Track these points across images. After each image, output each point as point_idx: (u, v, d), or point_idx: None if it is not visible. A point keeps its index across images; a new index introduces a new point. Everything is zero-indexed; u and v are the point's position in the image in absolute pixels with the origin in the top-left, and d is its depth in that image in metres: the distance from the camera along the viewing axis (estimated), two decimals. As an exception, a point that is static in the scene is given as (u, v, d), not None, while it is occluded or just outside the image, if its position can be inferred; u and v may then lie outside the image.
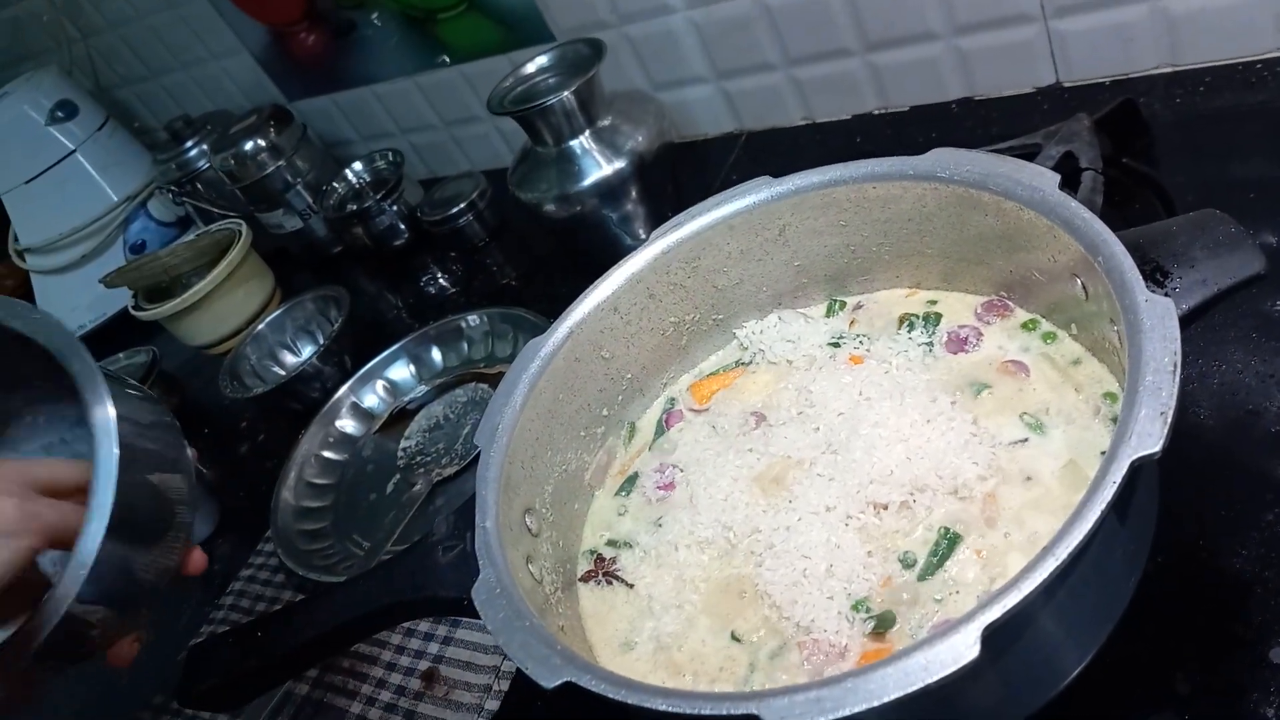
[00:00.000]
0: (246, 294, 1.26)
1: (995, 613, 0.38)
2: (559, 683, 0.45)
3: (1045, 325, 0.60)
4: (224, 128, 1.41)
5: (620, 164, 1.01)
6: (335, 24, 1.36)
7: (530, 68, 1.04)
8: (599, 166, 1.01)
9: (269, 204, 1.40)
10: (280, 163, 1.37)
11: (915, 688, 0.38)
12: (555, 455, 0.64)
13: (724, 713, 0.40)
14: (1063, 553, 0.39)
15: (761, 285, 0.70)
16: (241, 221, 1.29)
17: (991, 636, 0.38)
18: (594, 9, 1.14)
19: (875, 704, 0.38)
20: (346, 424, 1.09)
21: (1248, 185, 0.77)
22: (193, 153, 1.45)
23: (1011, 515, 0.52)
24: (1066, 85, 0.97)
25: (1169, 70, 0.92)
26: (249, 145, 1.35)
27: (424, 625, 0.83)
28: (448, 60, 1.34)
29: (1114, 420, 0.53)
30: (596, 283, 0.66)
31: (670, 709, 0.42)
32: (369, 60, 1.40)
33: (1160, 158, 0.85)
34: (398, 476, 1.00)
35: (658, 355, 0.70)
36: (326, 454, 1.06)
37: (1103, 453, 0.52)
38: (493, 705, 0.74)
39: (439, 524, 0.59)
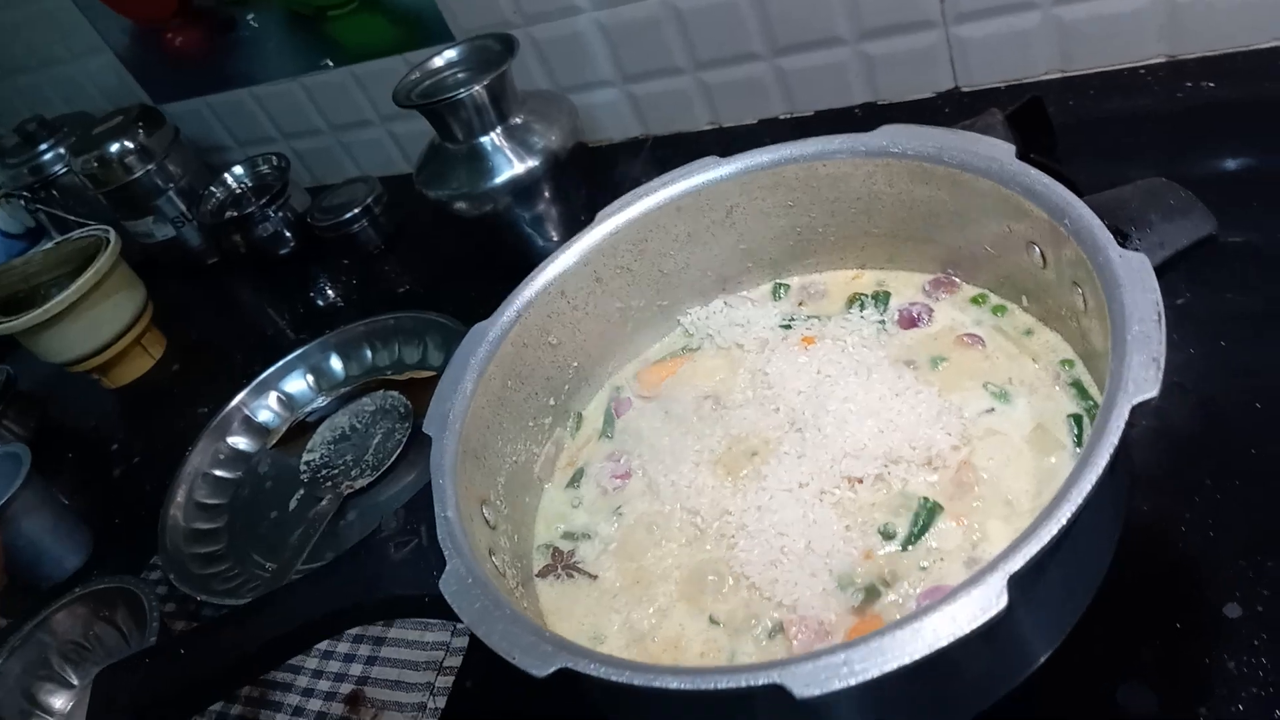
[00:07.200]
0: (116, 306, 1.16)
1: (1018, 561, 0.38)
2: (552, 670, 0.41)
3: (994, 299, 0.61)
4: (85, 129, 1.30)
5: (533, 163, 0.98)
6: (213, 21, 1.28)
7: (438, 62, 1.00)
8: (511, 164, 0.98)
9: (137, 211, 1.30)
10: (150, 166, 1.27)
11: (946, 642, 0.36)
12: (506, 445, 0.61)
13: (744, 684, 0.38)
14: (1078, 497, 0.39)
15: (707, 269, 0.69)
16: (109, 228, 1.19)
17: (1015, 585, 0.37)
18: (498, 9, 1.11)
19: (907, 661, 0.36)
20: (239, 440, 1.01)
21: (1147, 180, 0.82)
22: (48, 156, 1.33)
23: (987, 481, 0.52)
24: (965, 90, 1.01)
25: (1059, 75, 0.97)
26: (115, 147, 1.25)
27: (342, 646, 0.77)
28: (330, 64, 1.28)
29: (1074, 384, 0.54)
30: (543, 265, 0.63)
31: (684, 687, 0.39)
32: (248, 60, 1.32)
33: (1061, 157, 0.89)
34: (301, 492, 0.93)
35: (603, 343, 0.68)
36: (217, 472, 0.98)
37: (1069, 415, 0.53)
38: (429, 724, 0.69)
39: (387, 520, 0.54)
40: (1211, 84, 0.87)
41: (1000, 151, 0.54)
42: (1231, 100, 0.85)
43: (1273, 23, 0.85)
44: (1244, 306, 0.69)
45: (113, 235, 1.17)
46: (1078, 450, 0.51)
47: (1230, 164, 0.81)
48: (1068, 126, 0.91)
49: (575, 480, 0.64)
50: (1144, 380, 0.41)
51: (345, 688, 0.74)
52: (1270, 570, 0.54)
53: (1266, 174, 0.79)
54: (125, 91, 1.42)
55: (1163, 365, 0.41)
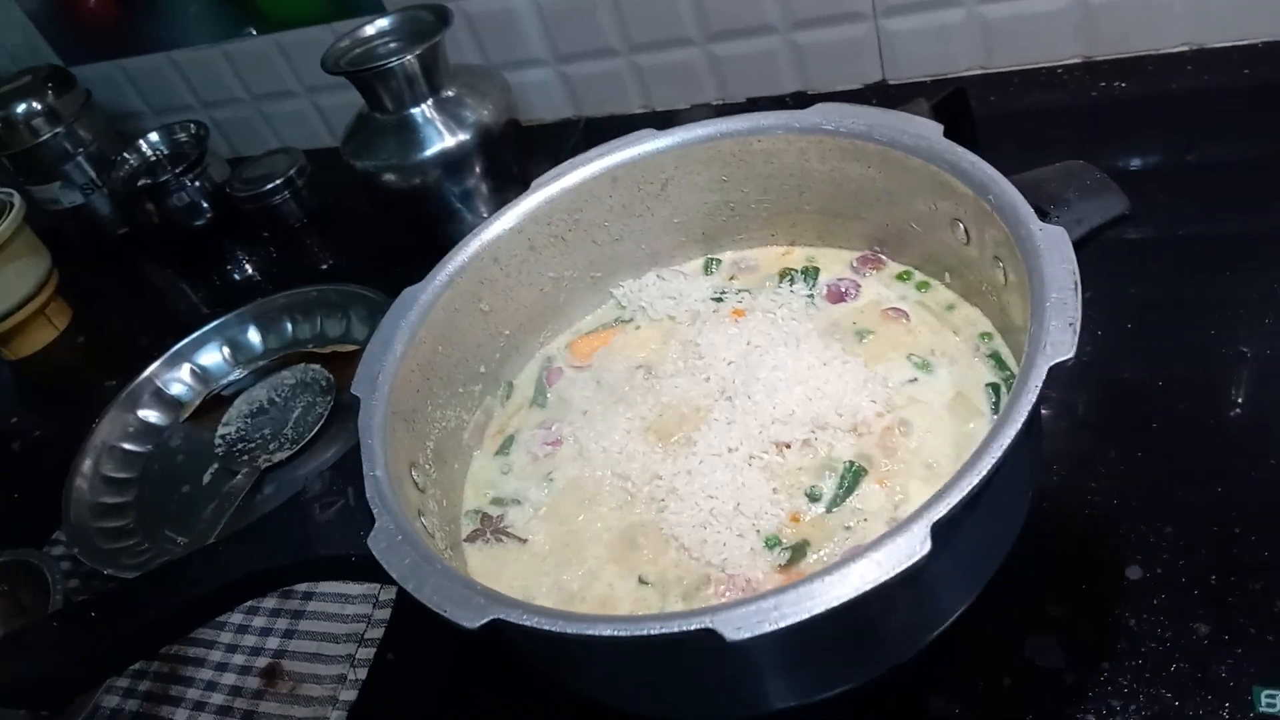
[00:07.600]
0: (18, 272, 1.11)
1: (941, 509, 0.39)
2: (485, 621, 0.41)
3: (918, 275, 0.63)
4: (-11, 89, 1.24)
5: (464, 136, 0.97)
6: (131, -20, 1.24)
7: (369, 30, 0.98)
8: (441, 137, 0.97)
9: (43, 176, 1.25)
10: (58, 129, 1.22)
11: (873, 584, 0.38)
12: (435, 410, 0.60)
13: (676, 630, 0.38)
14: (998, 450, 0.40)
15: (640, 242, 0.69)
16: (12, 191, 1.13)
17: (938, 534, 0.39)
18: (429, -19, 1.10)
19: (835, 604, 0.37)
20: (149, 413, 0.97)
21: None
22: (-53, 116, 1.26)
23: (909, 446, 0.53)
24: (892, 83, 1.04)
25: (981, 72, 1.00)
26: (21, 108, 1.20)
27: (258, 620, 0.75)
28: (254, 32, 1.25)
29: (992, 356, 0.56)
30: (477, 230, 0.63)
31: (617, 634, 0.39)
32: (167, 24, 1.27)
33: (982, 147, 0.92)
34: (216, 466, 0.90)
35: (535, 312, 0.68)
36: (126, 445, 0.94)
37: (988, 385, 0.55)
38: (349, 695, 0.68)
39: (313, 482, 0.53)
40: (1123, 84, 0.91)
41: (929, 130, 0.56)
42: (1141, 100, 0.90)
43: (1181, 28, 0.90)
44: (1148, 295, 0.73)
45: (17, 198, 1.11)
46: (995, 417, 0.53)
47: (1137, 161, 0.85)
48: (988, 119, 0.95)
49: (505, 447, 0.63)
50: (1061, 344, 0.43)
51: (262, 661, 0.72)
52: (1169, 536, 0.57)
53: (1171, 171, 0.83)
54: (33, 52, 1.36)
55: (1078, 330, 0.43)
